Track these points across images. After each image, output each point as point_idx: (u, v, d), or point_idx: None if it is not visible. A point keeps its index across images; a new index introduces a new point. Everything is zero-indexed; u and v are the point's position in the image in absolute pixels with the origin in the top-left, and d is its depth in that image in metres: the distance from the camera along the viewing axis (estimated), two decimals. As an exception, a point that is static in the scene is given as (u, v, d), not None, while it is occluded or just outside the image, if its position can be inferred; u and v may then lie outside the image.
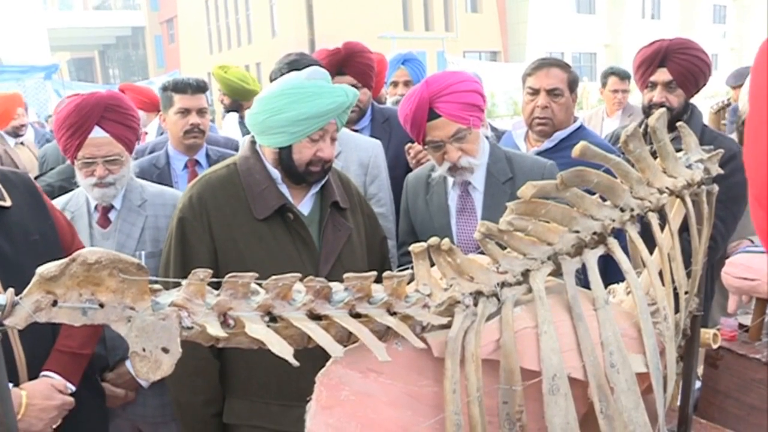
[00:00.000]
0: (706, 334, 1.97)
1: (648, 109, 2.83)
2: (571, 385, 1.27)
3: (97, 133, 2.23)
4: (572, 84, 2.76)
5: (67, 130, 2.23)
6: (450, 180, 2.25)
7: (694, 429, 1.93)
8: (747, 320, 2.20)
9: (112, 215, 2.38)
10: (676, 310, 1.59)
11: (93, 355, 2.05)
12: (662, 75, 2.77)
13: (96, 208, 2.37)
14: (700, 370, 2.16)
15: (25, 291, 0.81)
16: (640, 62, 2.81)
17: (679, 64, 2.73)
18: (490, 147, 2.26)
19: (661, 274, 1.51)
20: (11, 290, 0.81)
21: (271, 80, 2.70)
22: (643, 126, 2.95)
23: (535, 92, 2.73)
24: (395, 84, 3.90)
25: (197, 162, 3.19)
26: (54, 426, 1.84)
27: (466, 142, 2.11)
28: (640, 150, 1.46)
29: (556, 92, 2.70)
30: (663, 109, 1.53)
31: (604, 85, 5.28)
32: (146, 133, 4.55)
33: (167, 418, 2.44)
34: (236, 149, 3.50)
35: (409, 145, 2.93)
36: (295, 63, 2.63)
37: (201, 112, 3.11)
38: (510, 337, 1.18)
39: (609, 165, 1.40)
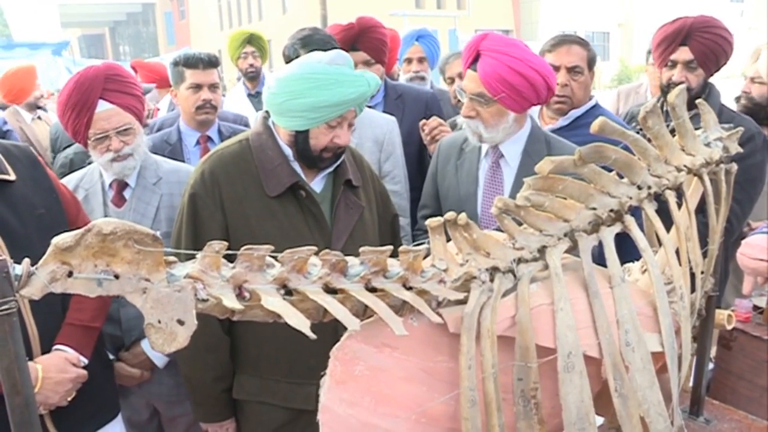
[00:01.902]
0: (721, 315, 1.95)
1: (666, 88, 2.77)
2: (585, 363, 1.26)
3: (103, 106, 2.20)
4: (591, 62, 2.73)
5: (72, 111, 2.19)
6: (483, 149, 2.23)
7: (706, 409, 1.92)
8: (761, 302, 2.18)
9: (126, 193, 2.37)
10: (692, 290, 1.58)
11: (102, 329, 2.07)
12: (683, 54, 2.70)
13: (111, 185, 2.36)
14: (713, 351, 2.15)
15: (41, 261, 0.81)
16: (660, 40, 2.74)
17: (702, 43, 2.66)
18: (532, 127, 2.23)
19: (677, 253, 1.50)
20: (27, 260, 0.80)
21: (284, 55, 2.67)
22: (660, 104, 2.91)
23: (555, 69, 2.67)
24: (409, 60, 3.87)
25: (209, 138, 3.17)
26: (69, 399, 1.86)
27: (483, 108, 2.09)
28: (659, 127, 1.43)
29: (576, 70, 2.67)
30: (683, 86, 1.51)
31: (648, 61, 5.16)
32: (158, 109, 4.55)
33: (182, 396, 2.46)
34: (246, 125, 3.49)
35: (424, 121, 2.91)
36: (308, 38, 2.60)
37: (213, 87, 3.08)
38: (526, 314, 1.17)
39: (627, 141, 1.38)
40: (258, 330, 1.93)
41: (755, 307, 2.16)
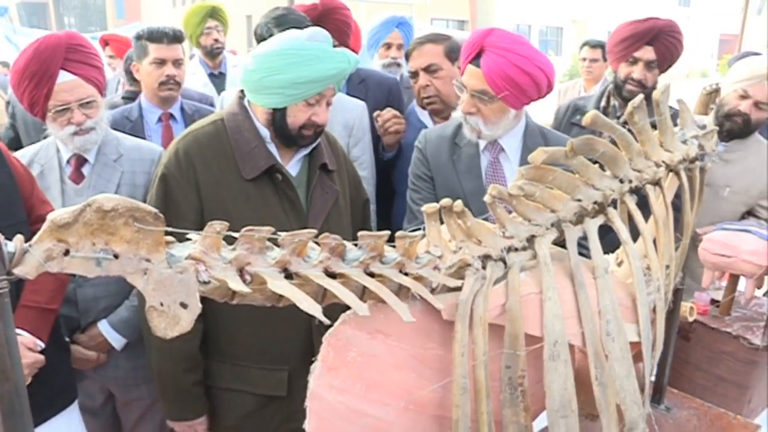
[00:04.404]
0: (684, 307, 2.02)
1: (622, 83, 2.89)
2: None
3: (65, 77, 2.09)
4: (451, 54, 2.70)
5: (30, 81, 2.07)
6: (481, 144, 2.19)
7: (666, 398, 1.99)
8: (719, 295, 2.26)
9: (85, 170, 2.27)
10: (664, 282, 1.62)
11: (59, 312, 1.99)
12: (647, 53, 2.82)
13: (68, 161, 2.26)
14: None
15: (35, 238, 0.76)
16: (627, 36, 2.83)
17: (665, 45, 2.80)
18: (527, 121, 2.22)
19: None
20: (20, 237, 0.75)
21: (256, 35, 2.61)
22: (606, 98, 3.01)
23: (415, 74, 2.72)
24: (388, 46, 3.79)
25: (171, 116, 3.09)
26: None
27: (485, 105, 2.05)
28: (644, 122, 1.46)
29: (432, 68, 2.67)
30: (668, 83, 1.53)
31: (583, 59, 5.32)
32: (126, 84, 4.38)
33: (139, 380, 2.40)
34: (212, 105, 3.41)
35: (378, 112, 2.88)
36: (282, 18, 2.55)
37: (177, 63, 3.00)
38: (516, 302, 1.18)
39: (615, 135, 1.40)
40: (228, 316, 1.90)
41: (713, 301, 2.24)
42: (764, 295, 2.72)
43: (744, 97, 2.71)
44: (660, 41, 2.80)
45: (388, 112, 2.86)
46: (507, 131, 2.14)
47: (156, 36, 2.95)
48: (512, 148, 2.17)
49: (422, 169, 2.27)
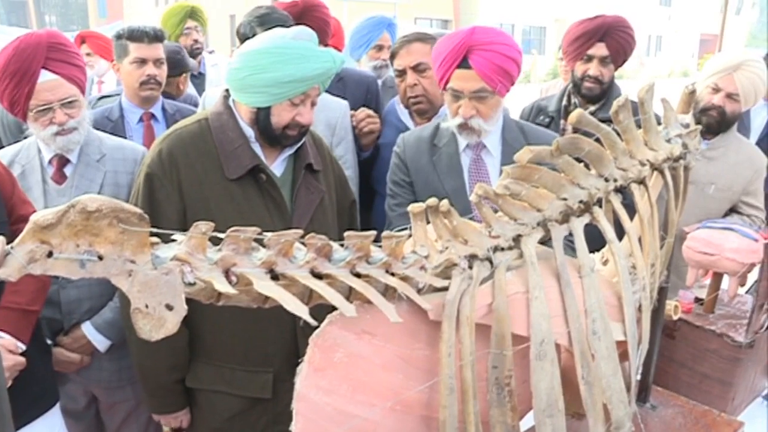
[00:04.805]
0: (668, 305, 2.03)
1: (580, 81, 2.98)
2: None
3: (46, 76, 2.06)
4: None
5: (11, 80, 2.03)
6: (461, 144, 2.19)
7: (651, 396, 2.00)
8: (702, 293, 2.27)
9: (68, 170, 2.24)
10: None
11: (41, 314, 1.96)
12: (600, 50, 2.91)
13: (50, 161, 2.24)
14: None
15: (18, 240, 0.75)
16: (579, 35, 2.95)
17: (617, 40, 2.89)
18: (504, 115, 2.23)
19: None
20: (2, 239, 0.74)
21: (239, 33, 2.60)
22: (568, 96, 3.05)
23: (401, 73, 2.71)
24: (379, 47, 3.77)
25: (153, 116, 3.06)
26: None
27: (484, 103, 2.06)
28: (628, 121, 1.46)
29: (420, 67, 2.67)
30: (653, 82, 1.54)
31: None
32: (102, 83, 4.33)
33: (123, 382, 2.38)
34: (196, 105, 3.38)
35: (352, 112, 2.87)
36: (266, 17, 2.54)
37: (158, 62, 2.98)
38: (503, 302, 1.18)
39: (600, 134, 1.40)
40: (214, 317, 1.88)
41: (697, 299, 2.25)
42: (747, 292, 2.76)
43: (716, 90, 2.77)
44: (611, 37, 2.88)
45: (362, 112, 2.85)
46: (497, 123, 2.15)
47: (136, 35, 2.92)
48: (493, 143, 2.18)
49: (400, 175, 2.26)
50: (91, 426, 2.51)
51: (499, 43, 2.00)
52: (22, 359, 1.78)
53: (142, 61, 2.93)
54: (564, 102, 3.08)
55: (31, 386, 1.88)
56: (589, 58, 2.92)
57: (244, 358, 1.92)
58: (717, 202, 2.85)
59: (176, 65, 3.50)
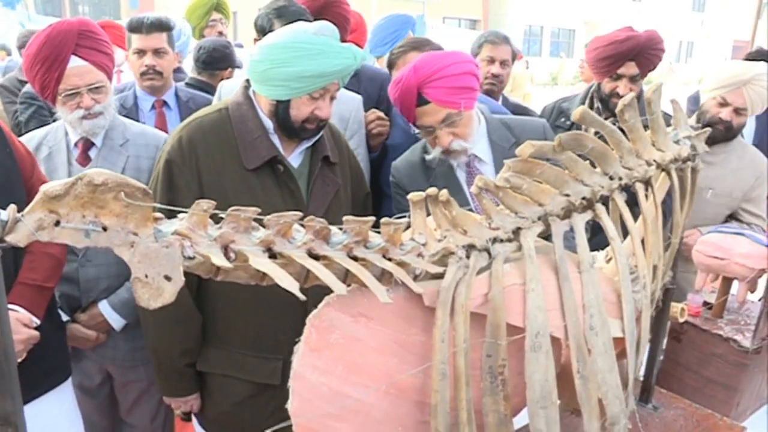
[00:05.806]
0: (675, 308, 2.03)
1: (608, 98, 2.92)
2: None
3: (75, 62, 2.13)
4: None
5: (42, 65, 2.11)
6: (453, 161, 2.16)
7: (654, 397, 2.00)
8: (711, 298, 2.27)
9: (92, 153, 2.32)
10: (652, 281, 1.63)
11: (59, 289, 2.01)
12: (630, 69, 2.85)
13: (76, 144, 2.31)
14: (663, 343, 2.23)
15: (27, 208, 0.79)
16: (610, 55, 2.84)
17: (648, 59, 2.84)
18: (485, 116, 2.22)
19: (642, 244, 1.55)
20: (13, 207, 0.78)
21: (257, 26, 2.63)
22: (589, 100, 3.04)
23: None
24: None
25: (165, 103, 3.11)
26: (19, 360, 1.81)
27: (457, 126, 2.04)
28: (635, 120, 1.47)
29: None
30: (660, 82, 1.55)
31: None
32: (121, 72, 4.41)
33: (137, 362, 2.44)
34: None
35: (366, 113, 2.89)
36: (284, 9, 2.57)
37: (157, 52, 2.99)
38: (499, 292, 1.20)
39: (604, 132, 1.41)
40: (226, 303, 1.93)
41: (705, 303, 2.25)
42: (759, 300, 2.74)
43: (723, 104, 2.74)
44: (643, 56, 2.82)
45: (372, 113, 2.86)
46: (478, 133, 2.14)
47: (135, 26, 2.95)
48: (482, 150, 2.17)
49: (405, 203, 2.28)
50: (104, 403, 2.57)
51: (444, 66, 1.98)
52: (36, 333, 1.85)
53: (141, 52, 2.96)
54: (586, 105, 3.07)
55: (43, 360, 1.94)
56: (619, 77, 2.86)
57: (255, 345, 1.96)
58: (714, 207, 2.81)
59: (224, 59, 3.60)
